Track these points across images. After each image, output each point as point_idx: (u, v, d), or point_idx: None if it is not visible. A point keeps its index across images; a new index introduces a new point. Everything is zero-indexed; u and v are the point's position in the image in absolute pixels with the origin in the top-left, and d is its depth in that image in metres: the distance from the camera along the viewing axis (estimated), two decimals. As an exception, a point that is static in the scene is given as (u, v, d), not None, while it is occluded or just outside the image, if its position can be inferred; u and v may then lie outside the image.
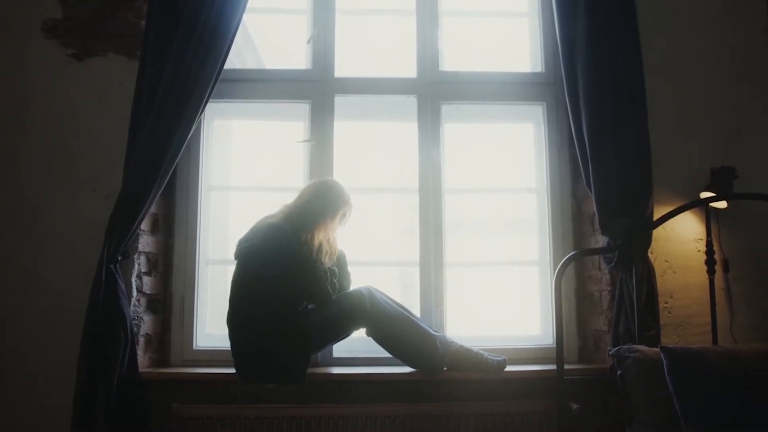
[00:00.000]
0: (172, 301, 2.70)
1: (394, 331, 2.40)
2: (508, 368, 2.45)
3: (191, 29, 2.48)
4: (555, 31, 2.69)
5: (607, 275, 2.58)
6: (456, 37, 3.00)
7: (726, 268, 2.55)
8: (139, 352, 2.46)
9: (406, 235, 2.90)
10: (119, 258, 2.38)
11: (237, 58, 3.11)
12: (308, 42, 2.86)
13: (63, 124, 2.57)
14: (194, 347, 2.68)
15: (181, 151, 2.47)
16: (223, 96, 2.74)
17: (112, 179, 2.47)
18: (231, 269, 2.45)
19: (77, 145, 2.56)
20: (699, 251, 2.54)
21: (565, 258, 2.45)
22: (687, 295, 2.53)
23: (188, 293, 2.70)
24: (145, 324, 2.56)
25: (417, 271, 2.76)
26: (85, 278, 2.36)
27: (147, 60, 2.51)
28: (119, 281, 2.36)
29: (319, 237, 2.39)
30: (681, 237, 2.58)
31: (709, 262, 2.44)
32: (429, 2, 2.93)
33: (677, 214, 2.43)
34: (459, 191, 2.91)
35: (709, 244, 2.46)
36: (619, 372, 2.26)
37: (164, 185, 2.46)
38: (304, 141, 2.81)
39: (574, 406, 2.23)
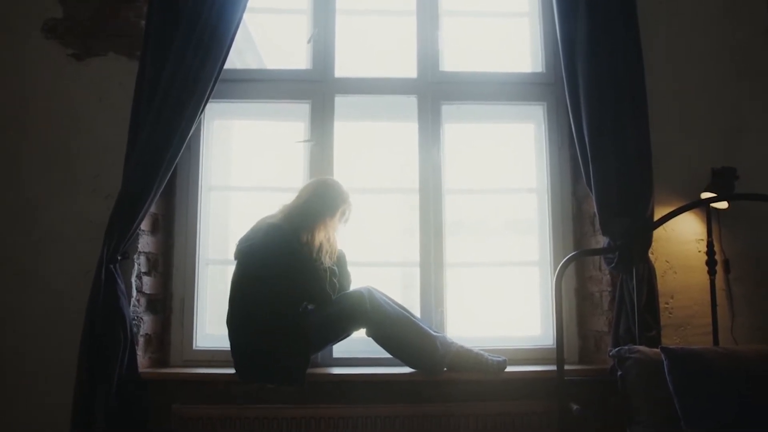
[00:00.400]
0: (171, 301, 2.70)
1: (395, 331, 2.39)
2: (509, 369, 2.45)
3: (191, 29, 2.48)
4: (555, 31, 2.68)
5: (608, 276, 2.58)
6: (456, 37, 3.00)
7: (727, 269, 2.55)
8: (139, 353, 2.46)
9: (406, 235, 2.90)
10: (119, 258, 2.38)
11: (237, 58, 3.11)
12: (308, 42, 2.86)
13: (63, 124, 2.57)
14: (194, 347, 2.67)
15: (181, 151, 2.47)
16: (224, 96, 2.73)
17: (112, 179, 2.46)
18: (231, 269, 2.45)
19: (77, 145, 2.56)
20: (700, 252, 2.54)
21: (566, 258, 2.45)
22: (688, 295, 2.53)
23: (188, 293, 2.70)
24: (145, 324, 2.56)
25: (417, 271, 2.76)
26: (85, 278, 2.36)
27: (147, 60, 2.50)
28: (119, 281, 2.36)
29: (320, 236, 2.39)
30: (682, 237, 2.57)
31: (710, 263, 2.44)
32: (429, 2, 2.92)
33: (678, 214, 2.43)
34: (459, 191, 2.90)
35: (709, 245, 2.45)
36: (619, 373, 2.25)
37: (164, 185, 2.46)
38: (304, 141, 2.81)
39: (575, 406, 2.23)
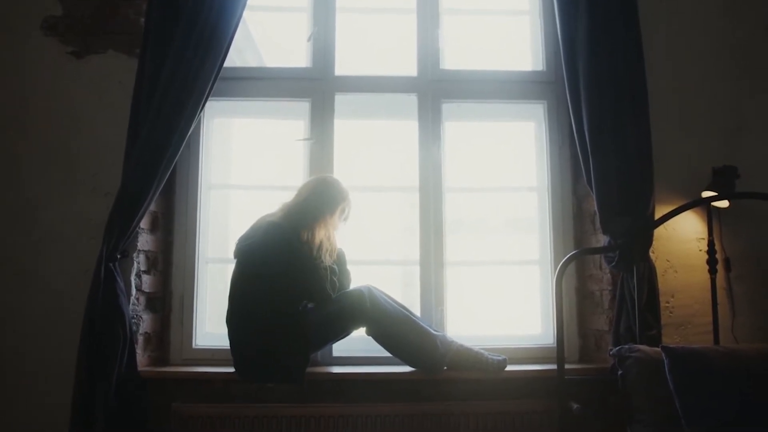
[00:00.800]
0: (171, 300, 2.69)
1: (394, 330, 2.39)
2: (509, 368, 2.44)
3: (191, 27, 2.47)
4: (556, 29, 2.68)
5: (608, 274, 2.57)
6: (457, 36, 2.99)
7: (728, 268, 2.54)
8: (138, 351, 2.45)
9: (407, 233, 2.90)
10: (118, 256, 2.38)
11: (237, 56, 3.10)
12: (308, 40, 2.86)
13: (62, 123, 2.56)
14: (194, 346, 2.67)
15: (181, 149, 2.47)
16: (223, 94, 2.73)
17: (112, 177, 2.46)
18: (230, 268, 2.45)
19: (77, 143, 2.55)
20: (700, 250, 2.53)
21: (566, 257, 2.44)
22: (688, 294, 2.53)
23: (188, 292, 2.69)
24: (144, 323, 2.55)
25: (417, 270, 2.76)
26: (85, 277, 2.35)
27: (147, 58, 2.50)
28: (118, 280, 2.35)
29: (320, 235, 2.39)
30: (682, 236, 2.57)
31: (711, 262, 2.43)
32: (429, 0, 2.91)
33: (679, 213, 2.42)
34: (459, 190, 2.90)
35: (710, 244, 2.45)
36: (620, 371, 2.25)
37: (164, 183, 2.45)
38: (304, 139, 2.80)
39: (575, 405, 2.23)
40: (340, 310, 2.37)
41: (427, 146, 2.81)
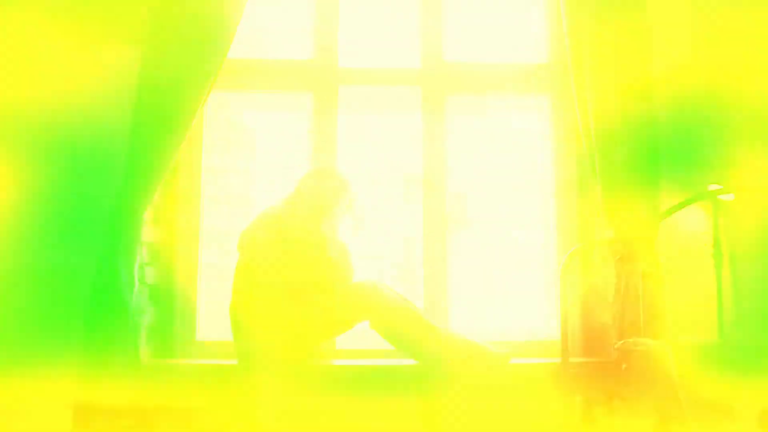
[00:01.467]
0: (174, 292, 2.69)
1: (398, 323, 2.38)
2: (513, 361, 2.44)
3: (195, 18, 2.46)
4: (561, 20, 2.66)
5: (613, 268, 2.56)
6: (461, 27, 2.97)
7: (733, 262, 2.53)
8: (141, 344, 2.45)
9: (410, 226, 2.89)
10: (121, 248, 2.37)
11: (240, 48, 3.09)
12: (311, 32, 2.84)
13: (65, 114, 2.55)
14: (196, 338, 2.67)
15: (184, 140, 2.46)
16: (226, 86, 2.72)
17: (115, 169, 2.45)
18: (234, 260, 2.44)
19: (79, 134, 2.54)
20: (706, 244, 2.52)
21: (570, 250, 2.43)
22: (693, 288, 2.52)
23: (191, 284, 2.69)
24: (147, 315, 2.55)
25: (421, 263, 2.75)
26: (87, 271, 2.35)
27: (150, 49, 2.48)
28: (121, 272, 2.35)
29: (323, 226, 2.38)
30: (688, 229, 2.56)
31: (716, 256, 2.42)
32: (434, -9, 2.90)
33: (684, 206, 2.41)
34: (464, 183, 2.88)
35: (716, 238, 2.43)
36: (624, 365, 2.24)
37: (167, 174, 2.44)
38: (307, 132, 2.79)
39: (579, 399, 2.22)
40: (343, 303, 2.37)
41: (431, 139, 2.80)
